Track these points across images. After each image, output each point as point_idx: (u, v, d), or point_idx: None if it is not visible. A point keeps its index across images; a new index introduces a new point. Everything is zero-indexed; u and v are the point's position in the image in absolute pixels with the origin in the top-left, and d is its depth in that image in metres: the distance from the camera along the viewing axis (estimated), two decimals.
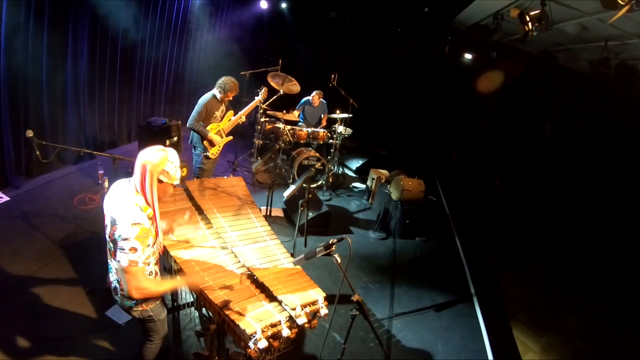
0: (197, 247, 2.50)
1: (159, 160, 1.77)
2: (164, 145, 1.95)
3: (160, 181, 1.80)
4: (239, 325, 1.96)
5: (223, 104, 4.18)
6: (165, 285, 2.04)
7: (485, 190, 7.85)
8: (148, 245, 1.80)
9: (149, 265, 1.90)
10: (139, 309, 1.97)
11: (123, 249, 1.72)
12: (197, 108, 3.98)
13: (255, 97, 4.55)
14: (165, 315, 2.16)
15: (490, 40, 6.35)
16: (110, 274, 1.98)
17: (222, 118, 4.21)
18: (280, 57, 6.07)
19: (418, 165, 8.04)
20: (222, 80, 4.05)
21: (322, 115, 6.59)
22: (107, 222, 1.80)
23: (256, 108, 5.26)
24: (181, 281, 2.14)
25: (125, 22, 5.31)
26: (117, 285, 1.95)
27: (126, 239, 1.71)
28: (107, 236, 1.83)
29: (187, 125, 4.04)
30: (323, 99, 6.46)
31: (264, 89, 4.58)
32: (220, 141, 4.16)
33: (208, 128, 4.04)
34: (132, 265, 1.74)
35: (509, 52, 7.46)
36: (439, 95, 9.37)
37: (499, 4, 5.29)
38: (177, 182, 1.86)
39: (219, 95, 4.06)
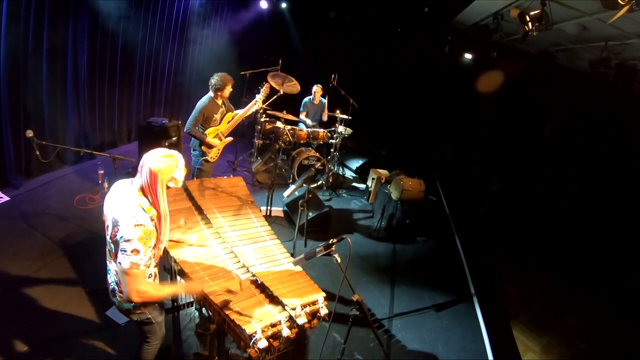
0: (197, 247, 2.50)
1: (169, 168, 1.80)
2: (163, 145, 1.95)
3: (168, 187, 1.85)
4: (239, 325, 1.96)
5: (223, 106, 4.09)
6: (165, 290, 1.99)
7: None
8: (150, 247, 1.79)
9: (149, 267, 1.89)
10: (137, 311, 1.97)
11: (125, 251, 1.71)
12: (194, 113, 3.89)
13: (257, 95, 4.32)
14: (163, 317, 2.16)
15: (490, 40, 6.34)
16: (109, 276, 1.97)
17: (221, 121, 4.13)
18: (280, 57, 6.07)
19: (418, 165, 8.04)
20: (213, 79, 3.93)
21: (323, 111, 6.57)
22: (109, 223, 1.80)
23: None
24: (182, 288, 2.14)
25: (125, 22, 5.31)
26: (116, 287, 1.94)
27: (128, 241, 1.70)
28: (108, 237, 1.82)
29: (185, 130, 3.96)
30: (323, 97, 6.45)
31: (265, 85, 4.38)
32: (218, 144, 4.12)
33: (206, 132, 3.98)
34: (134, 267, 1.72)
35: (509, 52, 7.45)
36: (439, 95, 9.37)
37: (499, 4, 5.29)
38: (181, 184, 1.94)
39: (214, 96, 3.97)
